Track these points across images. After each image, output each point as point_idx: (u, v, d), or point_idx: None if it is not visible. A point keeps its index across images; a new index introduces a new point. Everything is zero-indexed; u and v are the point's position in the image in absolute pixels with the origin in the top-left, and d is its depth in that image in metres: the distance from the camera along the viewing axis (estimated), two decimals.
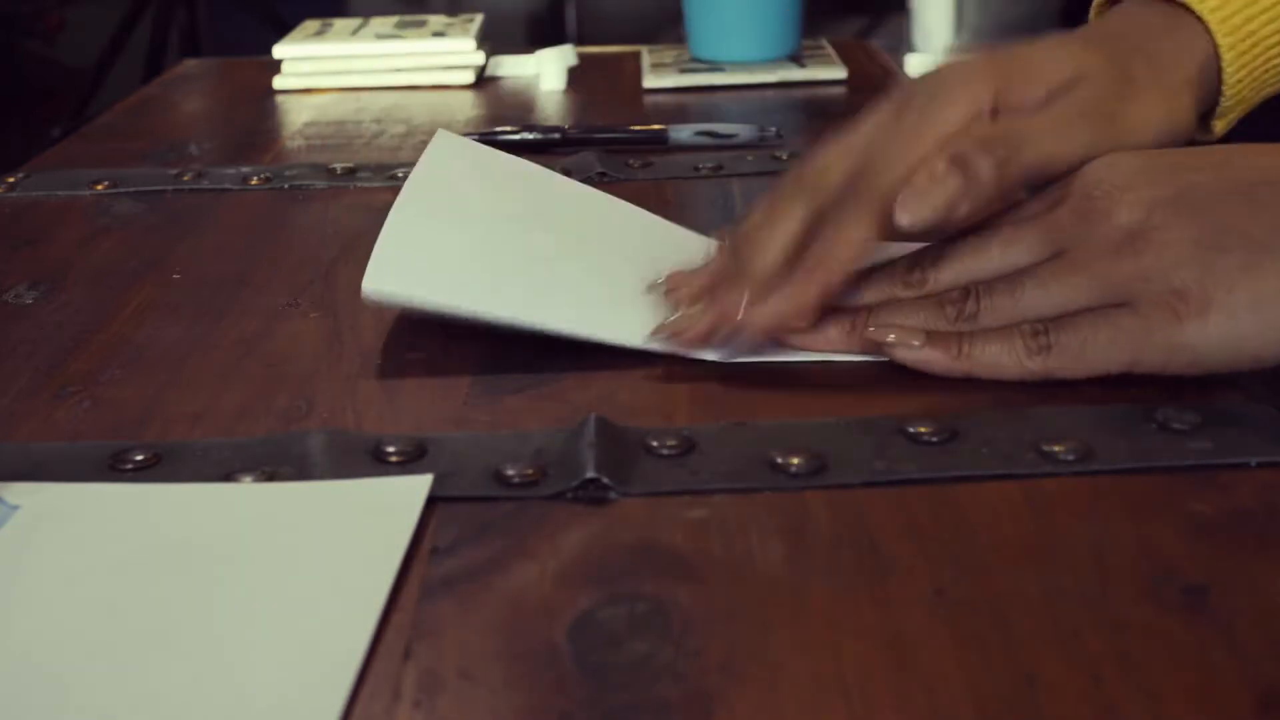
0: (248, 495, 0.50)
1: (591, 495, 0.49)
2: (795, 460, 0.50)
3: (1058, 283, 0.55)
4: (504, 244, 0.64)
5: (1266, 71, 0.64)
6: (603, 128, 0.96)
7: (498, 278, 0.61)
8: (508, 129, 0.95)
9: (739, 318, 0.57)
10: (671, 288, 0.60)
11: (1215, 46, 0.62)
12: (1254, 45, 0.62)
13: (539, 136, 0.94)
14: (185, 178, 0.90)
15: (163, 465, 0.52)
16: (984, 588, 0.43)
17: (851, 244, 0.56)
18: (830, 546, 0.46)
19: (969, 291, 0.57)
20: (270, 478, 0.51)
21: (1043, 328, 0.55)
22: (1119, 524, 0.47)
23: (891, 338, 0.56)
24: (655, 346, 0.59)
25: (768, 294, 0.57)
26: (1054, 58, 0.59)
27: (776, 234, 0.57)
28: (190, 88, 1.28)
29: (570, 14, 3.43)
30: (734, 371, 0.58)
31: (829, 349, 0.58)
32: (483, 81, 1.19)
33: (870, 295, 0.59)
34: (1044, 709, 0.38)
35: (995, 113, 0.57)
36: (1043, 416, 0.53)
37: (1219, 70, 0.62)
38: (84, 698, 0.40)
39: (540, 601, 0.43)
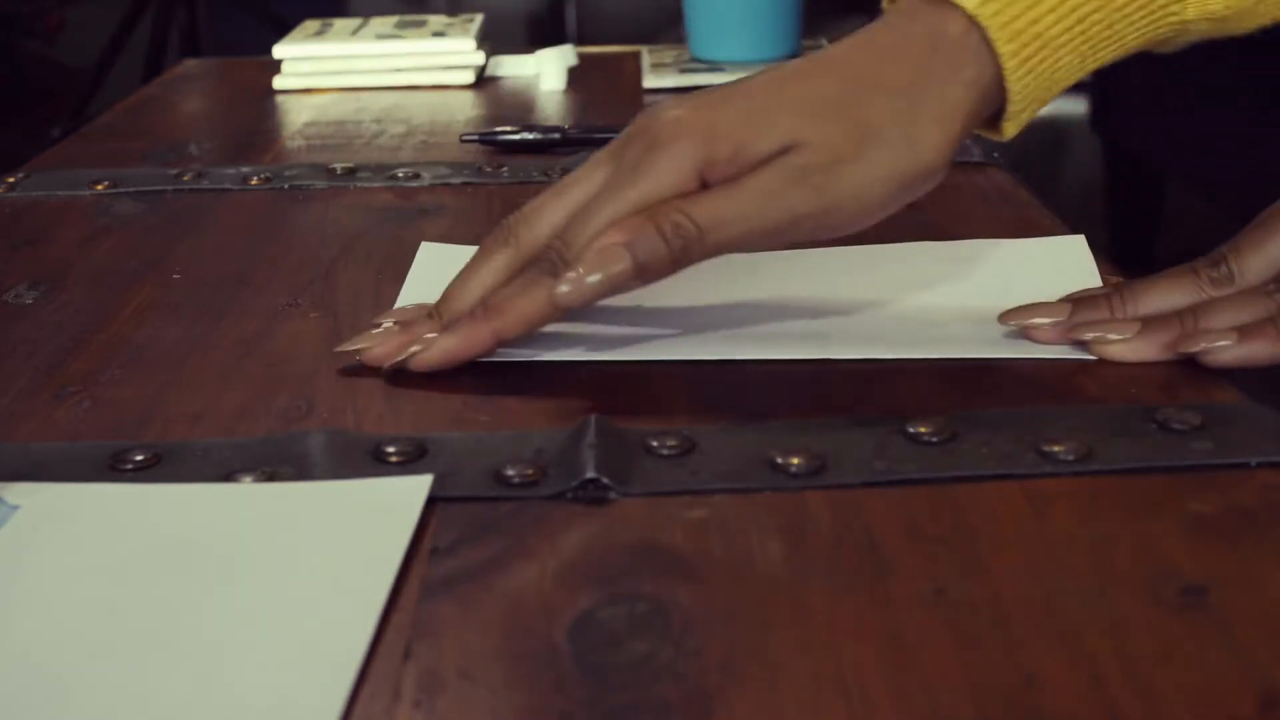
0: (248, 495, 0.50)
1: (591, 495, 0.49)
2: (795, 460, 0.50)
3: None
4: None
5: (1056, 70, 0.58)
6: (603, 128, 0.96)
7: None
8: (508, 129, 0.95)
9: (406, 355, 0.58)
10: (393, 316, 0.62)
11: (997, 56, 0.57)
12: (1042, 48, 0.57)
13: (539, 136, 0.94)
14: (185, 178, 0.90)
15: (163, 465, 0.52)
16: (984, 588, 0.43)
17: (535, 303, 0.57)
18: (830, 546, 0.46)
19: None
20: (270, 478, 0.51)
21: None
22: (1119, 524, 0.47)
23: (1203, 345, 0.56)
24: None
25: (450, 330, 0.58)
26: (767, 125, 0.56)
27: (476, 279, 0.59)
28: (190, 88, 1.28)
29: (570, 14, 3.43)
30: (734, 372, 0.58)
31: (1147, 359, 0.58)
32: (483, 81, 1.19)
33: (1180, 301, 0.59)
34: (1044, 709, 0.38)
35: (702, 181, 0.56)
36: (1043, 416, 0.53)
37: (1002, 78, 0.57)
38: (84, 698, 0.40)
39: (540, 601, 0.43)
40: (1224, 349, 0.56)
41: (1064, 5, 0.57)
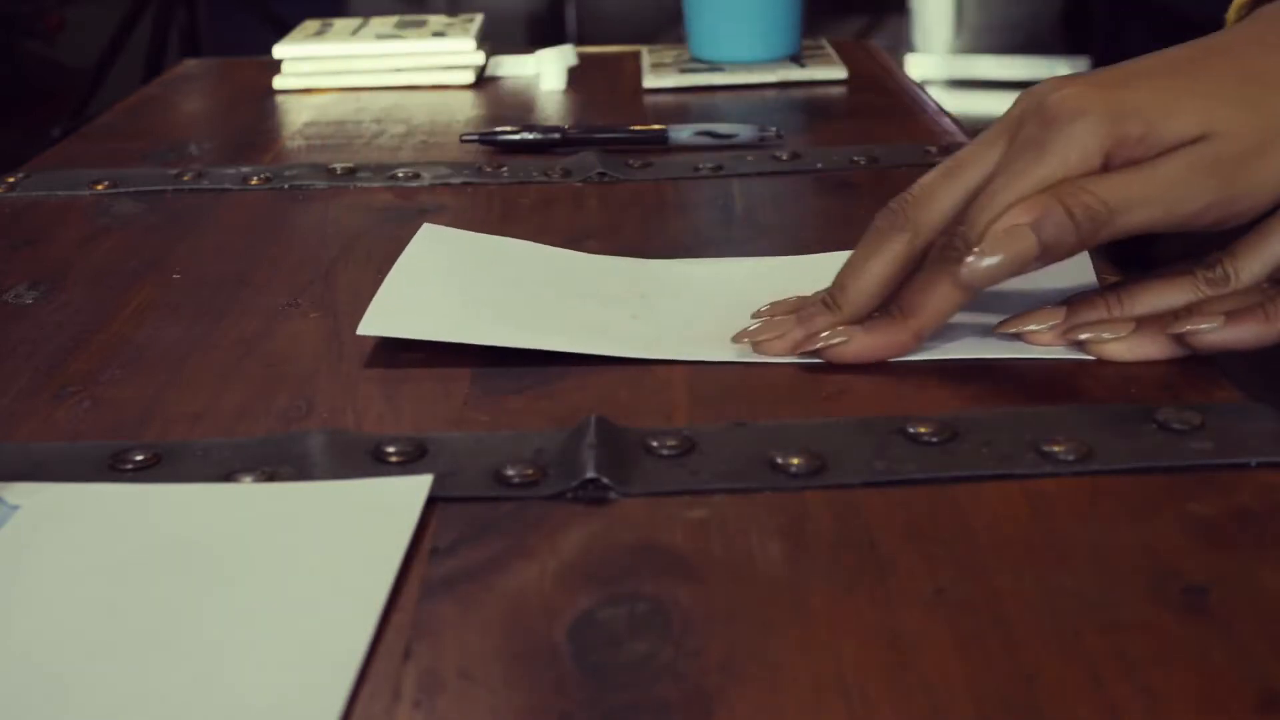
0: (248, 495, 0.50)
1: (591, 495, 0.49)
2: (795, 460, 0.50)
3: None
4: (495, 295, 0.66)
5: None
6: (603, 128, 0.96)
7: (488, 317, 0.63)
8: (508, 129, 0.95)
9: (821, 345, 0.58)
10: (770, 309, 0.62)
11: None
12: None
13: (539, 136, 0.94)
14: (185, 178, 0.90)
15: (163, 465, 0.52)
16: (984, 588, 0.43)
17: (949, 297, 0.57)
18: (830, 546, 0.46)
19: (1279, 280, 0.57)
20: (270, 478, 0.51)
21: None
22: (1119, 524, 0.47)
23: (1188, 328, 0.57)
24: (671, 354, 0.60)
25: (856, 325, 0.58)
26: (1180, 109, 0.55)
27: (873, 268, 0.58)
28: (190, 88, 1.28)
29: (570, 14, 3.43)
30: (734, 372, 0.58)
31: (1147, 358, 0.58)
32: (483, 81, 1.19)
33: (1175, 301, 0.59)
34: (1044, 709, 0.38)
35: (1107, 164, 0.55)
36: (1043, 416, 0.53)
37: None
38: (84, 698, 0.40)
39: (540, 601, 0.43)
40: (1211, 330, 0.56)
41: None
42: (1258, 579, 0.43)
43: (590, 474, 0.49)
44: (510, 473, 0.50)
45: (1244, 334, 0.56)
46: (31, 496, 0.50)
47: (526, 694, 0.39)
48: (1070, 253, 0.56)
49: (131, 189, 0.88)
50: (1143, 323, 0.58)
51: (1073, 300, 0.60)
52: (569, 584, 0.44)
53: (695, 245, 0.76)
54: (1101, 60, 2.69)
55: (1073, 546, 0.45)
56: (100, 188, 0.89)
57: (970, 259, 0.55)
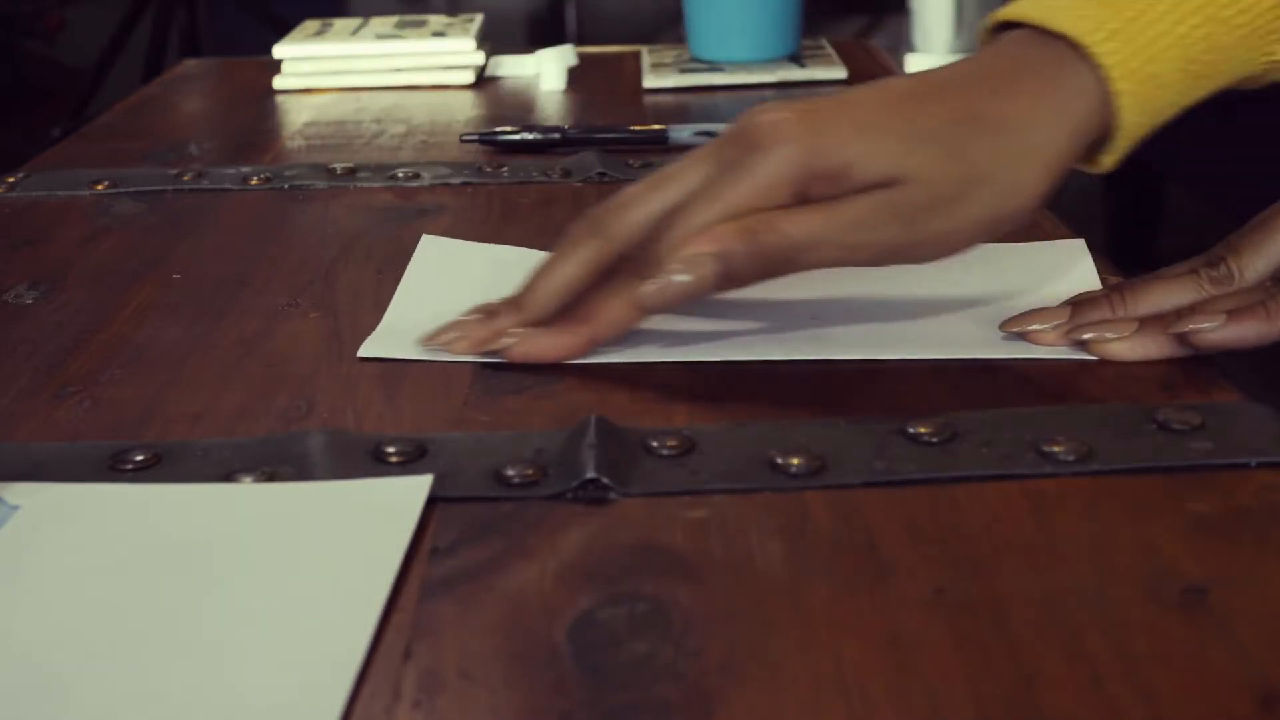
0: (248, 495, 0.50)
1: (591, 495, 0.49)
2: (795, 460, 0.50)
3: None
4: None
5: (1163, 106, 0.58)
6: (603, 128, 0.96)
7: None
8: (508, 129, 0.95)
9: (501, 343, 0.59)
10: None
11: (1110, 94, 0.56)
12: (1156, 87, 0.56)
13: (539, 136, 0.94)
14: (185, 178, 0.90)
15: (163, 465, 0.52)
16: (984, 588, 0.43)
17: (627, 309, 0.58)
18: (830, 546, 0.46)
19: None
20: (270, 478, 0.51)
21: None
22: (1119, 524, 0.47)
23: (1190, 327, 0.57)
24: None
25: (536, 328, 0.59)
26: (875, 153, 0.55)
27: (562, 272, 0.58)
28: (190, 88, 1.28)
29: (570, 14, 3.43)
30: (734, 372, 0.58)
31: (1148, 357, 0.58)
32: (483, 81, 1.19)
33: (1179, 300, 0.59)
34: (1044, 709, 0.38)
35: (802, 195, 0.55)
36: (1043, 416, 0.53)
37: (1113, 113, 0.56)
38: (84, 698, 0.40)
39: (540, 601, 0.43)
40: (1212, 329, 0.56)
41: (1178, 45, 0.56)
42: (1257, 579, 0.43)
43: (590, 474, 0.49)
44: (510, 473, 0.50)
45: (1245, 332, 0.56)
46: (31, 496, 0.50)
47: (526, 694, 0.39)
48: (752, 283, 0.56)
49: (131, 189, 0.88)
50: (1145, 322, 0.58)
51: (1077, 300, 0.60)
52: (569, 584, 0.44)
53: None
54: None
55: (1073, 546, 0.45)
56: (100, 188, 0.89)
57: (649, 282, 0.55)
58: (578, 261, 0.58)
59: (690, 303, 0.57)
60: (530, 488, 0.49)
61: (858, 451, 0.51)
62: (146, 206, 0.86)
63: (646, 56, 1.21)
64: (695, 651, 0.40)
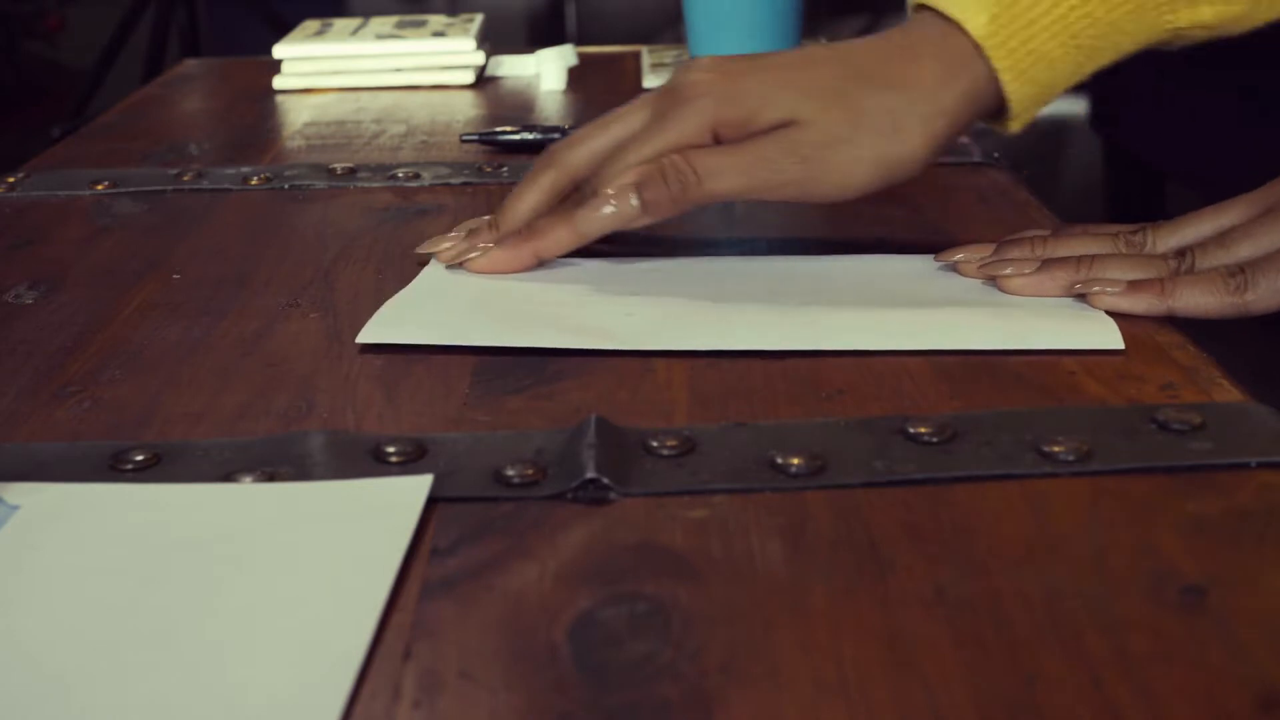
0: (248, 495, 0.50)
1: (591, 495, 0.49)
2: (795, 460, 0.50)
3: (1264, 231, 0.62)
4: (495, 302, 0.66)
5: (1055, 78, 0.66)
6: None
7: (487, 320, 0.64)
8: (508, 129, 0.95)
9: (467, 258, 0.69)
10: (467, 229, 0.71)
11: (992, 69, 0.65)
12: (1037, 61, 0.65)
13: (539, 136, 0.94)
14: (185, 178, 0.90)
15: (163, 465, 0.52)
16: (984, 588, 0.43)
17: (568, 229, 0.67)
18: (830, 546, 0.46)
19: (1184, 252, 0.63)
20: (270, 478, 0.51)
21: (1238, 269, 0.61)
22: (1119, 524, 0.47)
23: (1096, 289, 0.62)
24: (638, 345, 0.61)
25: (496, 245, 0.69)
26: (776, 100, 0.65)
27: (525, 197, 0.69)
28: (190, 88, 1.28)
29: (570, 14, 3.43)
30: (734, 372, 0.58)
31: (1043, 294, 0.64)
32: (483, 81, 1.19)
33: (1093, 249, 0.65)
34: (1044, 709, 0.38)
35: (715, 137, 0.65)
36: (1043, 416, 0.53)
37: (1000, 86, 0.65)
38: (84, 697, 0.40)
39: (540, 601, 0.43)
40: (1110, 295, 0.62)
41: (1058, 24, 0.65)
42: (1257, 579, 0.43)
43: (590, 474, 0.49)
44: (510, 473, 0.50)
45: (1138, 304, 0.62)
46: (31, 496, 0.50)
47: (526, 694, 0.39)
48: (669, 211, 0.65)
49: (131, 189, 0.88)
50: (1053, 263, 0.64)
51: (1005, 240, 0.68)
52: (569, 584, 0.44)
53: (696, 246, 0.76)
54: None
55: (1073, 546, 0.45)
56: (100, 188, 0.89)
57: (587, 207, 0.66)
58: (539, 188, 0.69)
59: (620, 229, 0.66)
60: (530, 488, 0.49)
61: (858, 451, 0.51)
62: (146, 206, 0.86)
63: (646, 56, 1.21)
64: (695, 651, 0.40)
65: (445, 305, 0.66)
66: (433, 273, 0.70)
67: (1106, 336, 0.60)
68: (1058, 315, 0.62)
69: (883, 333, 0.61)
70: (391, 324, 0.63)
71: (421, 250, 0.71)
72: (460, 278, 0.70)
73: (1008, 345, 0.59)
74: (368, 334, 0.62)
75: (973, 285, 0.66)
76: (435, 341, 0.61)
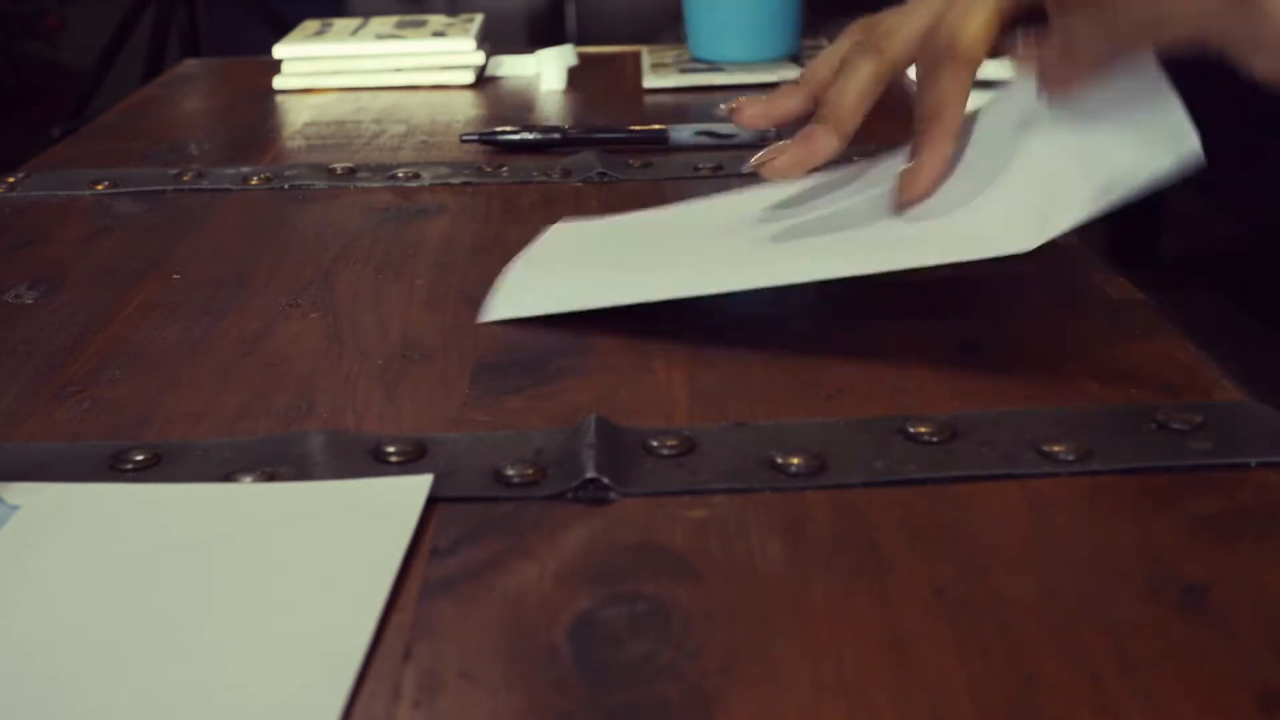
0: (248, 495, 0.50)
1: (591, 495, 0.49)
2: (795, 460, 0.50)
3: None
4: (614, 257, 0.67)
5: None
6: (603, 128, 0.96)
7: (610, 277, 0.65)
8: (508, 129, 0.95)
9: (819, 155, 0.67)
10: (738, 107, 0.71)
11: None
12: None
13: (539, 136, 0.94)
14: (185, 178, 0.90)
15: (163, 465, 0.52)
16: (984, 588, 0.43)
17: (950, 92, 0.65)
18: (830, 546, 0.46)
19: None
20: (270, 478, 0.51)
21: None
22: (1119, 524, 0.47)
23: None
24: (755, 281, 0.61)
25: (846, 132, 0.67)
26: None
27: (852, 84, 0.66)
28: (190, 88, 1.28)
29: (570, 14, 3.43)
30: (734, 372, 0.58)
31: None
32: (483, 81, 1.19)
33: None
34: (1044, 709, 0.38)
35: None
36: (1043, 416, 0.53)
37: None
38: (84, 698, 0.40)
39: (540, 601, 0.43)
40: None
41: None
42: (1258, 579, 0.43)
43: (590, 474, 0.49)
44: (510, 473, 0.50)
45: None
46: (31, 496, 0.50)
47: (526, 694, 0.39)
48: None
49: (131, 189, 0.88)
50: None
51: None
52: (569, 584, 0.44)
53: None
54: None
55: (1073, 546, 0.45)
56: (100, 188, 0.89)
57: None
58: (864, 73, 0.66)
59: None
60: (530, 488, 0.49)
61: (858, 451, 0.51)
62: (146, 206, 0.86)
63: (646, 56, 1.21)
64: (695, 651, 0.40)
65: (566, 268, 0.67)
66: (553, 236, 0.71)
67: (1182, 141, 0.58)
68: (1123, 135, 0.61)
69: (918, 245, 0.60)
70: (513, 299, 0.64)
71: (751, 167, 0.68)
72: (579, 241, 0.70)
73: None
74: (495, 310, 0.63)
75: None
76: (560, 310, 0.62)
